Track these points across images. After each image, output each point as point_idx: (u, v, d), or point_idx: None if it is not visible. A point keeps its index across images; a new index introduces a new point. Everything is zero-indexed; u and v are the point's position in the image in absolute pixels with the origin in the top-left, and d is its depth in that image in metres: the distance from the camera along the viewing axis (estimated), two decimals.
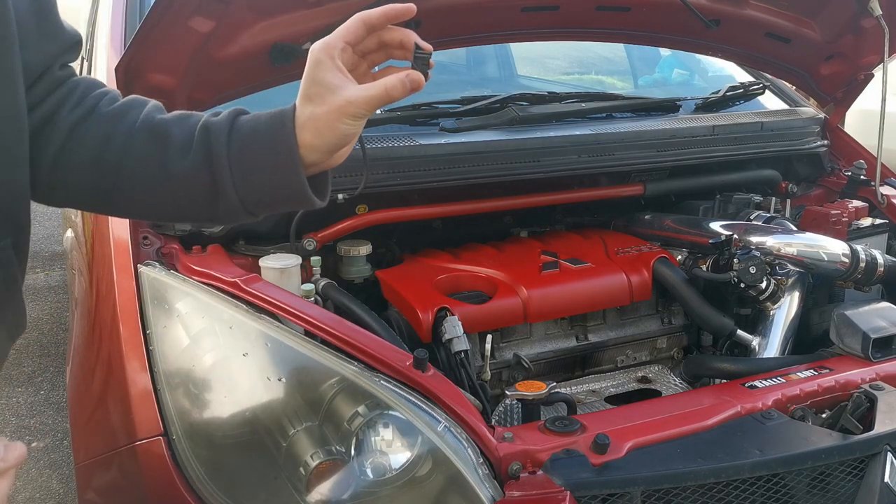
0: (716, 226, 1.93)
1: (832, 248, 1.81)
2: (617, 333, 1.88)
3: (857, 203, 2.12)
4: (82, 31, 3.20)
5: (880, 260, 1.81)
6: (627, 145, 2.03)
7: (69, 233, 2.35)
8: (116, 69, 1.45)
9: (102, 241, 1.56)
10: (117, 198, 0.96)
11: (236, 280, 1.43)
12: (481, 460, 1.26)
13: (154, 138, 0.93)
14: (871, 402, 1.44)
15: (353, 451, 1.27)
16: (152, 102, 0.98)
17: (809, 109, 2.46)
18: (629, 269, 1.83)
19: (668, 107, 2.26)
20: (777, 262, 1.81)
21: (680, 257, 1.96)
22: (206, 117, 0.95)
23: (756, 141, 2.22)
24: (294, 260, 1.58)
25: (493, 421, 1.53)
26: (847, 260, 1.79)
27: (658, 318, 1.94)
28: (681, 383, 1.79)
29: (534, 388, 1.39)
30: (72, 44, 0.97)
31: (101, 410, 1.43)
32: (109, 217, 1.55)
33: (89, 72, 2.22)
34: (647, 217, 2.15)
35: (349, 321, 1.44)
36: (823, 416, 1.46)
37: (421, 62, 0.96)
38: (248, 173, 0.92)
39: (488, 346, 1.63)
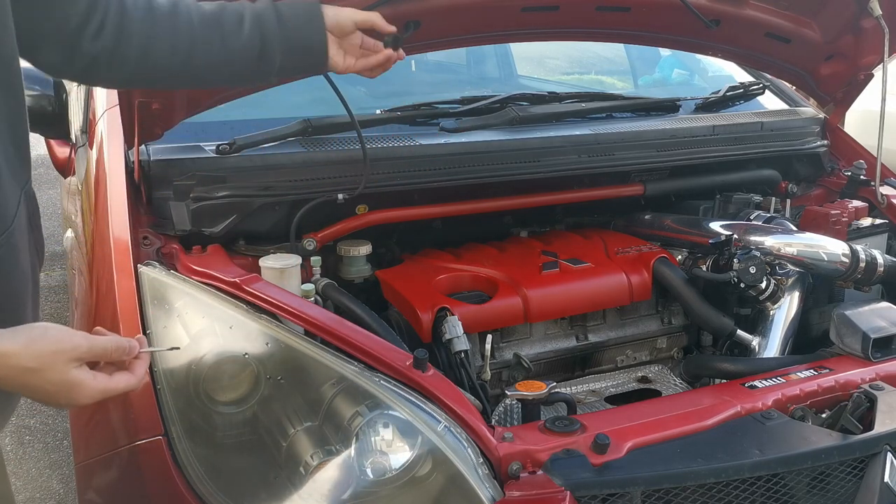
0: (716, 226, 1.93)
1: (832, 248, 1.81)
2: (617, 333, 1.88)
3: (857, 203, 2.12)
4: None
5: (880, 260, 1.81)
6: (627, 145, 2.03)
7: (69, 233, 2.35)
8: None
9: (102, 241, 1.56)
10: (189, 71, 1.24)
11: (236, 280, 1.43)
12: (481, 460, 1.26)
13: (210, 24, 1.23)
14: (871, 402, 1.44)
15: (353, 451, 1.27)
16: None
17: (809, 109, 2.46)
18: (629, 269, 1.83)
19: (668, 107, 2.26)
20: (777, 262, 1.81)
21: (680, 257, 1.96)
22: (247, 5, 1.27)
23: (756, 141, 2.22)
24: (294, 260, 1.58)
25: (493, 421, 1.53)
26: (847, 260, 1.79)
27: (658, 318, 1.94)
28: (681, 383, 1.79)
29: (534, 388, 1.39)
30: None
31: (101, 410, 1.43)
32: (109, 217, 1.56)
33: None
34: (647, 217, 2.15)
35: (349, 321, 1.44)
36: (823, 416, 1.46)
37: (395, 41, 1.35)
38: (291, 50, 1.29)
39: (488, 346, 1.63)
